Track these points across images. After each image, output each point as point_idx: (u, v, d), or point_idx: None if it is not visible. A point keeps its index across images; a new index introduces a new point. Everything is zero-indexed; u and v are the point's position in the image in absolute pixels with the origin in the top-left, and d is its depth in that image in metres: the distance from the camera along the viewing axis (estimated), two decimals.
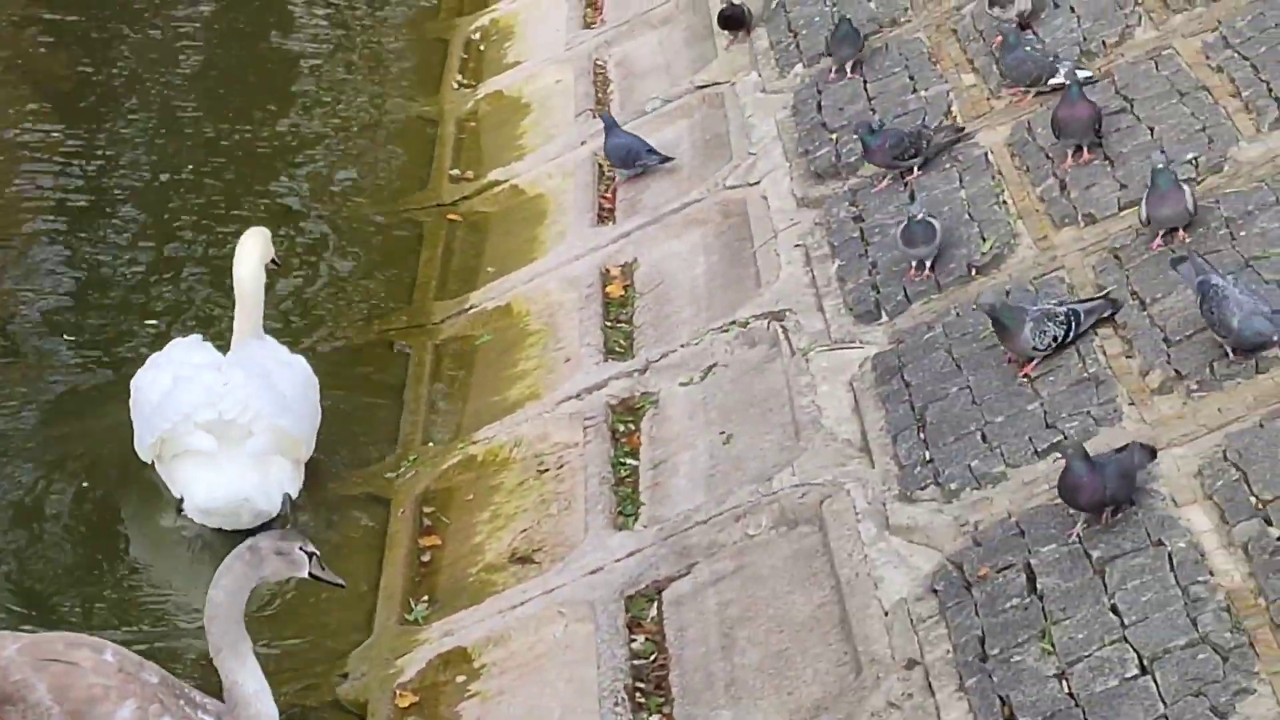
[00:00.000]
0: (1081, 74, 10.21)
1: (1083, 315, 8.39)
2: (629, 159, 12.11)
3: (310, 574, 7.75)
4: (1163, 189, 8.61)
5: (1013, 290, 8.96)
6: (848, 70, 11.71)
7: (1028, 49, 10.72)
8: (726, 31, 13.09)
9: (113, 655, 7.43)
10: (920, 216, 9.38)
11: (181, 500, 9.83)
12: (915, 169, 10.30)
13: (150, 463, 9.99)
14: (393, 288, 12.19)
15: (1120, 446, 7.40)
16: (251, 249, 10.30)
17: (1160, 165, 8.62)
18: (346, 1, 16.99)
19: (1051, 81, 10.43)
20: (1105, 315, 8.45)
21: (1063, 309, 8.37)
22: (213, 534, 9.73)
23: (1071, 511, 7.29)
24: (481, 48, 15.59)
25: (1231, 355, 7.76)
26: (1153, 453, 7.39)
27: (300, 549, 7.71)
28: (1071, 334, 8.33)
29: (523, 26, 15.64)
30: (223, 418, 9.60)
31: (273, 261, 10.46)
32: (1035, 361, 8.41)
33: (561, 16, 15.17)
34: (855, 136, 10.55)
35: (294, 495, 9.88)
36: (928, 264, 9.44)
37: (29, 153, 14.06)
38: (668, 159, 12.06)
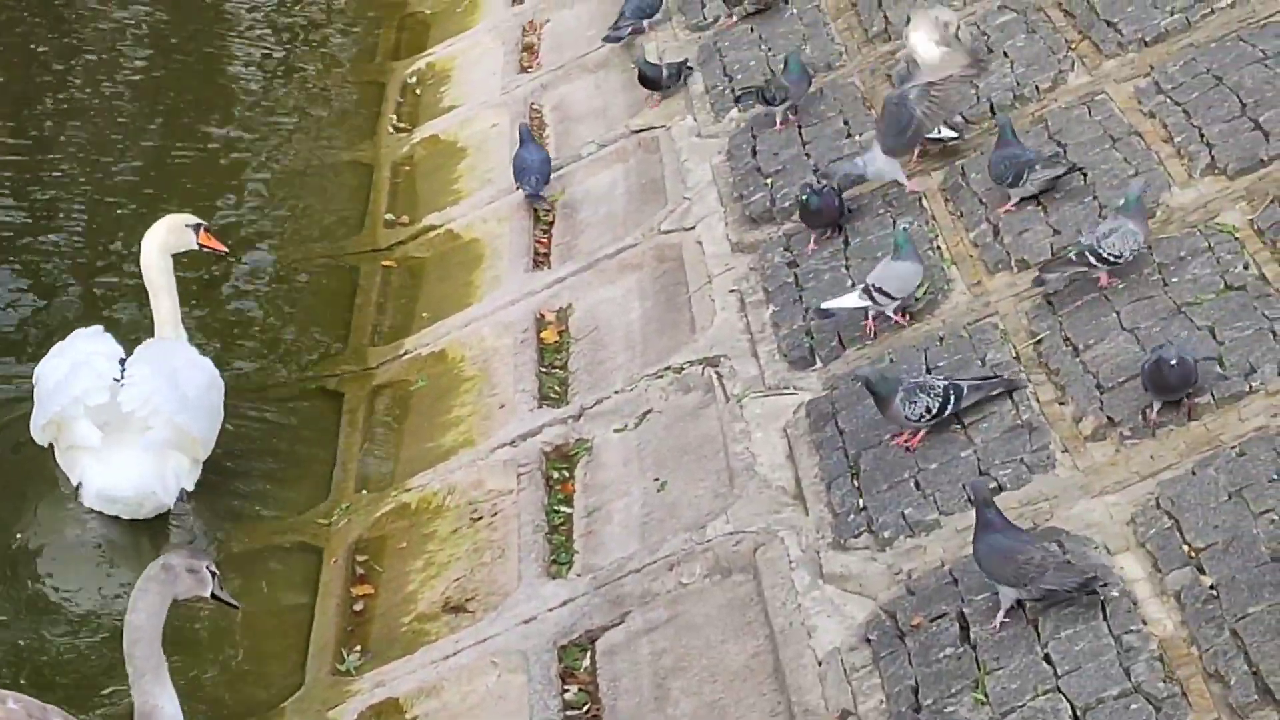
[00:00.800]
0: (945, 132, 10.39)
1: (965, 390, 8.28)
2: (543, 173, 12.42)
3: (212, 593, 7.69)
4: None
5: (946, 337, 8.95)
6: (789, 116, 11.67)
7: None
8: (646, 90, 13.01)
9: (15, 703, 7.34)
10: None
11: (79, 487, 10.10)
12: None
13: (50, 450, 10.32)
14: (328, 333, 12.12)
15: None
16: (152, 237, 10.76)
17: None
18: (282, 46, 16.95)
19: (930, 136, 10.48)
20: (998, 393, 8.33)
21: (941, 383, 8.28)
22: (107, 523, 10.07)
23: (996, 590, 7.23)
24: (418, 92, 15.55)
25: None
26: None
27: (208, 567, 7.67)
28: (949, 408, 8.23)
29: (459, 71, 15.60)
30: (122, 410, 9.97)
31: (204, 231, 10.88)
32: (919, 434, 8.36)
33: (498, 61, 15.15)
34: (800, 197, 10.42)
35: (189, 489, 10.22)
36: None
37: None
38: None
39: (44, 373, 10.42)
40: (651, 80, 12.88)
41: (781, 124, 11.64)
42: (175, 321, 10.78)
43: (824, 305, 9.41)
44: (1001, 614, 7.09)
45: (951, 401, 8.26)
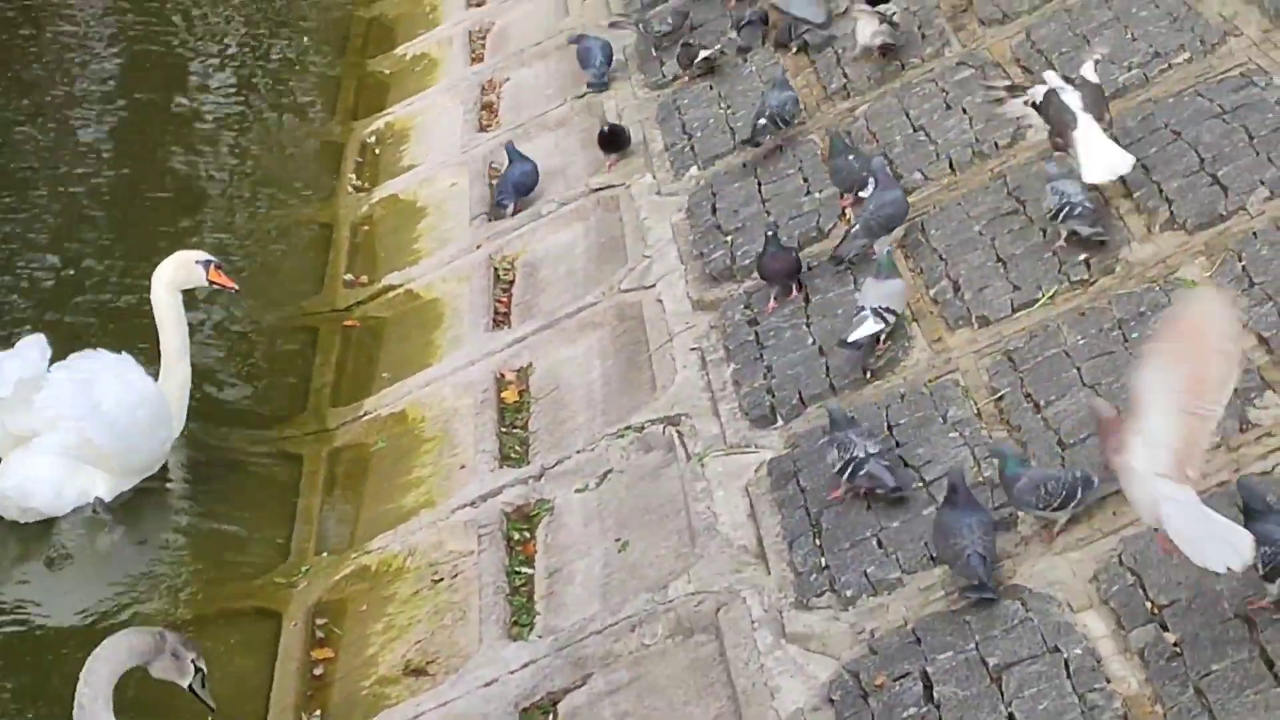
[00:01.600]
0: (864, 192, 10.45)
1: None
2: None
3: (190, 687, 7.64)
4: None
5: (908, 394, 8.93)
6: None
7: (849, 157, 10.74)
8: (607, 152, 12.97)
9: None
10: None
11: None
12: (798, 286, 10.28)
13: None
14: (287, 394, 12.05)
15: None
16: (161, 273, 11.06)
17: None
18: (242, 105, 16.93)
19: (862, 193, 10.49)
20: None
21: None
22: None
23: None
24: (377, 151, 15.54)
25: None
26: None
27: (194, 661, 7.63)
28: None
29: (418, 130, 15.59)
30: (32, 408, 10.31)
31: (214, 268, 11.17)
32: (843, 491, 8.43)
33: (457, 119, 15.13)
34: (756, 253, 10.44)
35: (106, 499, 10.55)
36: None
37: None
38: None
39: None
40: (614, 141, 12.84)
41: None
42: (182, 357, 11.06)
43: (849, 339, 9.31)
44: None
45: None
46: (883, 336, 9.39)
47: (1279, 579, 6.65)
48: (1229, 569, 6.47)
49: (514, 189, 13.08)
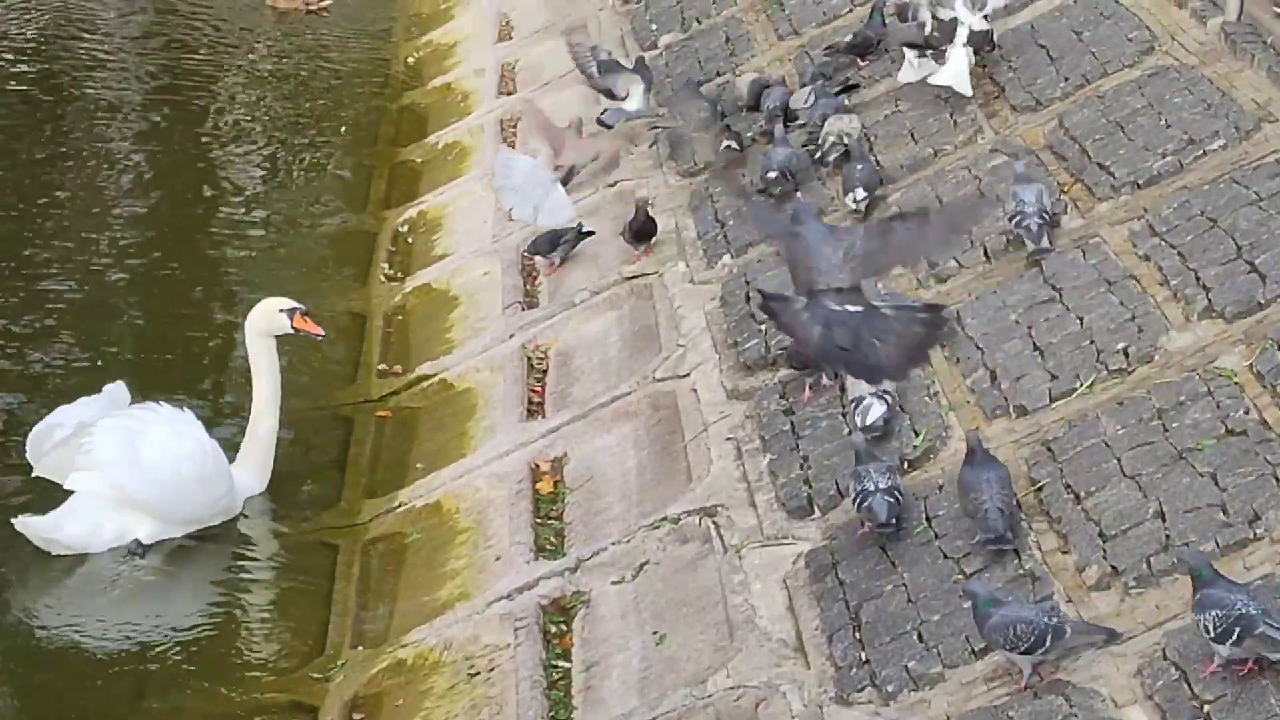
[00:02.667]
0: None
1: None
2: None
3: None
4: None
5: (946, 485, 8.87)
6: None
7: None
8: (638, 243, 12.94)
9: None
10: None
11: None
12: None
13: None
14: (321, 486, 12.01)
15: None
16: (251, 321, 11.70)
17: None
18: (275, 196, 16.97)
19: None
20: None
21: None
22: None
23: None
24: (410, 240, 15.55)
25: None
26: None
27: None
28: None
29: (450, 219, 15.61)
30: (80, 453, 10.81)
31: (300, 315, 11.66)
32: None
33: (489, 208, 15.14)
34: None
35: (145, 542, 10.95)
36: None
37: None
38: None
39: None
40: (646, 232, 12.84)
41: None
42: (271, 408, 11.60)
43: (866, 423, 9.51)
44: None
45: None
46: (889, 419, 9.51)
47: (1228, 641, 6.82)
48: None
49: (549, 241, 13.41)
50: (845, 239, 8.22)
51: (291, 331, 11.67)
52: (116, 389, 11.34)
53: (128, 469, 10.85)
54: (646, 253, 12.85)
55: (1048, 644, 7.38)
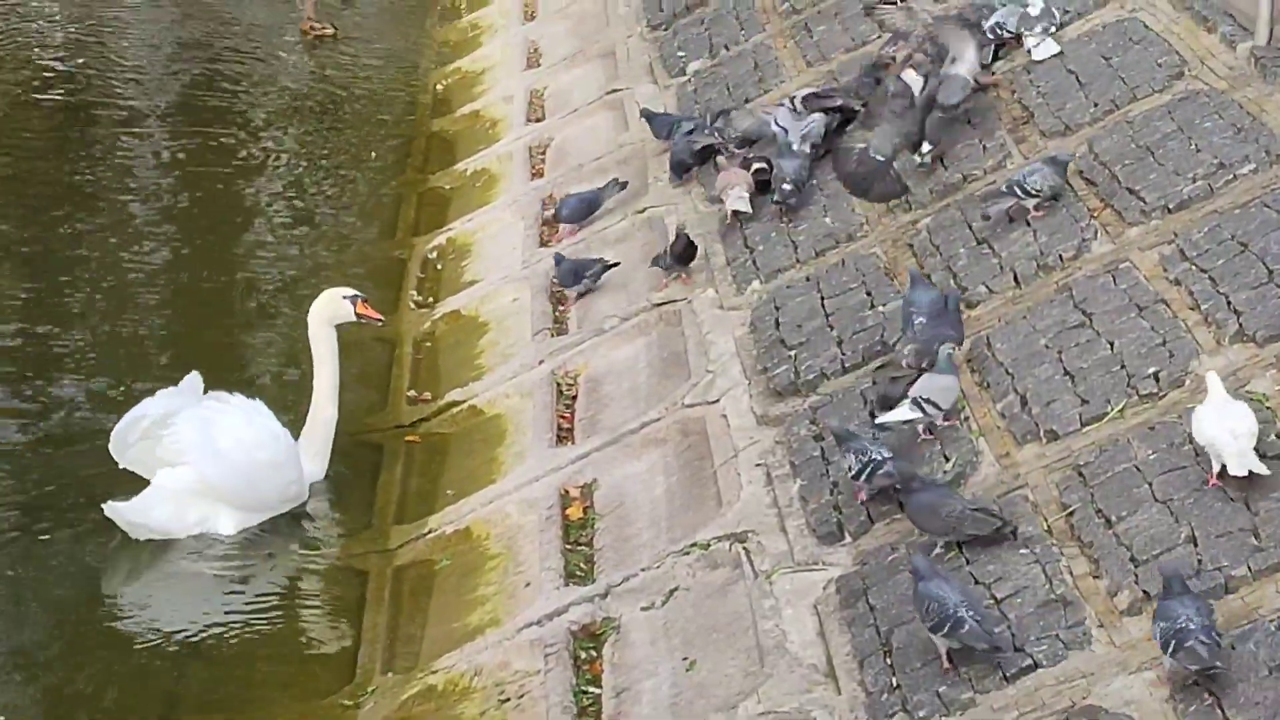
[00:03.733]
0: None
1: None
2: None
3: None
4: None
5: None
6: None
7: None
8: (679, 266, 12.91)
9: None
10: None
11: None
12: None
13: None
14: (351, 512, 12.03)
15: None
16: (315, 310, 12.13)
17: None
18: (304, 222, 17.02)
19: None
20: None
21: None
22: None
23: None
24: (439, 267, 15.58)
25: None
26: None
27: None
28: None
29: (480, 245, 15.64)
30: (155, 447, 11.29)
31: (361, 302, 12.09)
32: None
33: (518, 235, 15.18)
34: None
35: (229, 531, 11.48)
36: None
37: None
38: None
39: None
40: (687, 255, 12.84)
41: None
42: (330, 399, 11.99)
43: (879, 420, 9.66)
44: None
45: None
46: (922, 428, 9.61)
47: (1179, 654, 7.10)
48: None
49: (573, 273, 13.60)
50: None
51: (354, 319, 12.09)
52: (193, 380, 11.72)
53: (211, 462, 11.32)
54: (686, 279, 12.83)
55: (946, 630, 7.79)
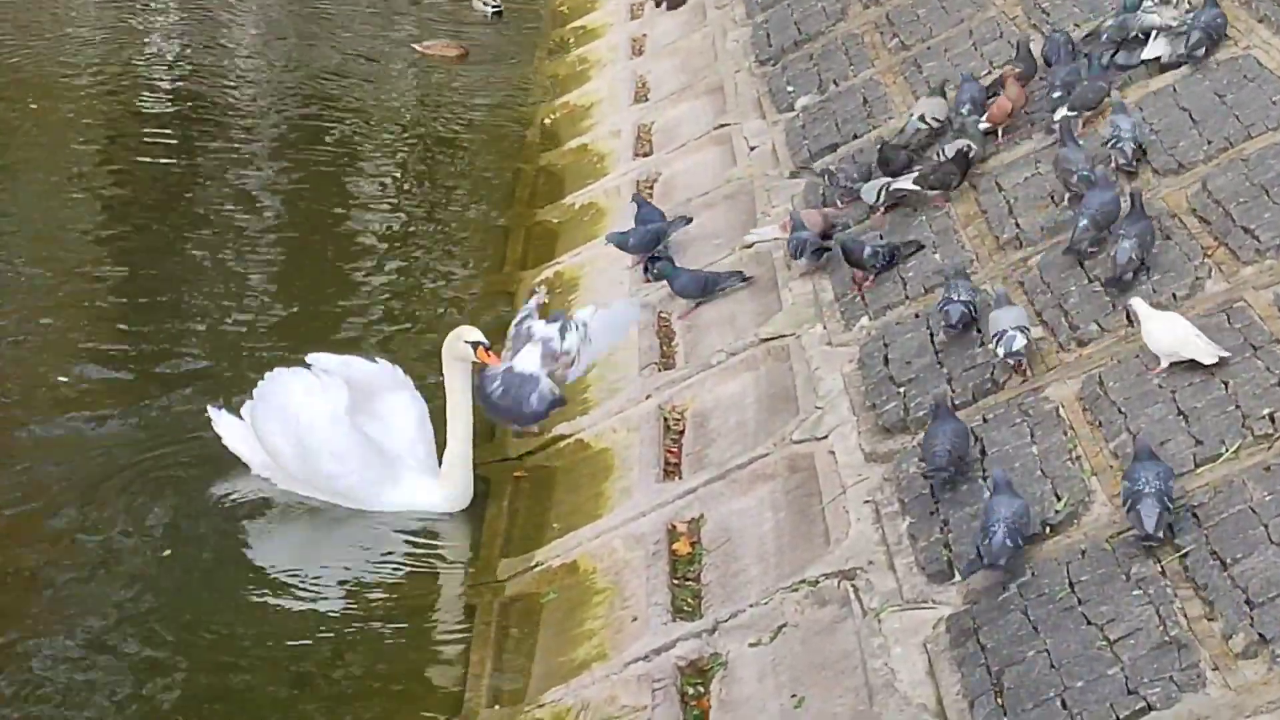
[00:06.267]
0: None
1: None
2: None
3: None
4: None
5: (1089, 550, 8.79)
6: None
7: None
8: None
9: None
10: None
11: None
12: None
13: None
14: (459, 545, 12.06)
15: None
16: (446, 346, 12.39)
17: None
18: (411, 257, 17.11)
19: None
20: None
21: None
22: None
23: None
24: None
25: None
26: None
27: None
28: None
29: (587, 279, 15.67)
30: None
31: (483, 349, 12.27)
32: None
33: (624, 268, 15.20)
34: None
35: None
36: None
37: None
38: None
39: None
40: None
41: None
42: (461, 426, 12.28)
43: (1012, 349, 10.61)
44: None
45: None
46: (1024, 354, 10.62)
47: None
48: None
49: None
50: None
51: (475, 360, 12.24)
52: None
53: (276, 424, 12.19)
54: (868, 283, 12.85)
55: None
